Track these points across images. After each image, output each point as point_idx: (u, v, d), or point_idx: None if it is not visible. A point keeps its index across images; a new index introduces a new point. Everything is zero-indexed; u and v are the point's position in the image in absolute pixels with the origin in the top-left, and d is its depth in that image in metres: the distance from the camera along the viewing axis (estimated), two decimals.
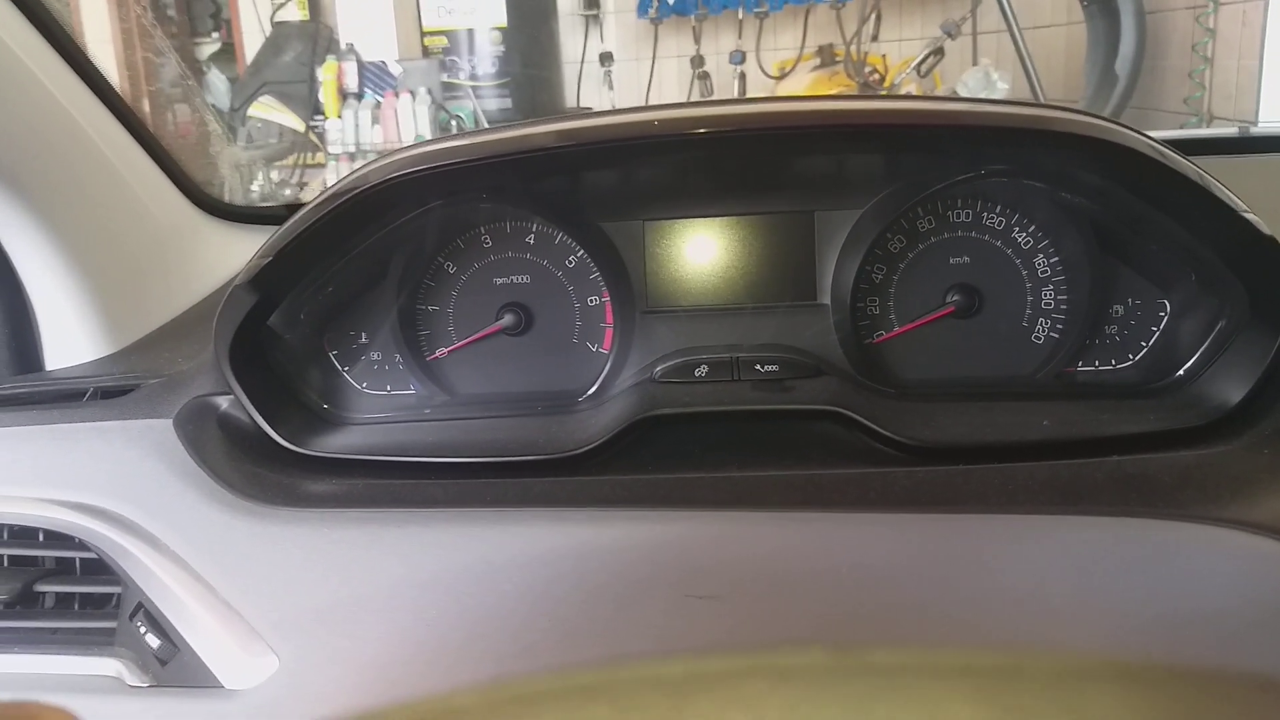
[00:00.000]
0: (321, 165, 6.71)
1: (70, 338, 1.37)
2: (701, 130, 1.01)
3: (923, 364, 1.23)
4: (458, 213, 1.20)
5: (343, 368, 1.26)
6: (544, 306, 1.25)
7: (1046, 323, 1.22)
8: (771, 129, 1.04)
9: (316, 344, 1.24)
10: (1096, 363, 1.24)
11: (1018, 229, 1.21)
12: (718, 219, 1.22)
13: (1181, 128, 4.68)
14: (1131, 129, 1.01)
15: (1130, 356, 1.23)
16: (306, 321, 1.22)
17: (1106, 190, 1.09)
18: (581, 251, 1.20)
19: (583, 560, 0.86)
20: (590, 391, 1.21)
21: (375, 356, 1.26)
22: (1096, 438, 1.04)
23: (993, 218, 1.21)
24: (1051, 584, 0.84)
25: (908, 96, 1.77)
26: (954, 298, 1.20)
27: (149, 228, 1.53)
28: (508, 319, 1.23)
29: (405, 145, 1.08)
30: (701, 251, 1.22)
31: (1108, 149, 0.98)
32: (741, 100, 1.17)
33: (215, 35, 7.35)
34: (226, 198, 1.88)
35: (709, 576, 0.87)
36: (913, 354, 1.23)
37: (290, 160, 6.62)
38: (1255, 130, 1.70)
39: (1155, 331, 1.22)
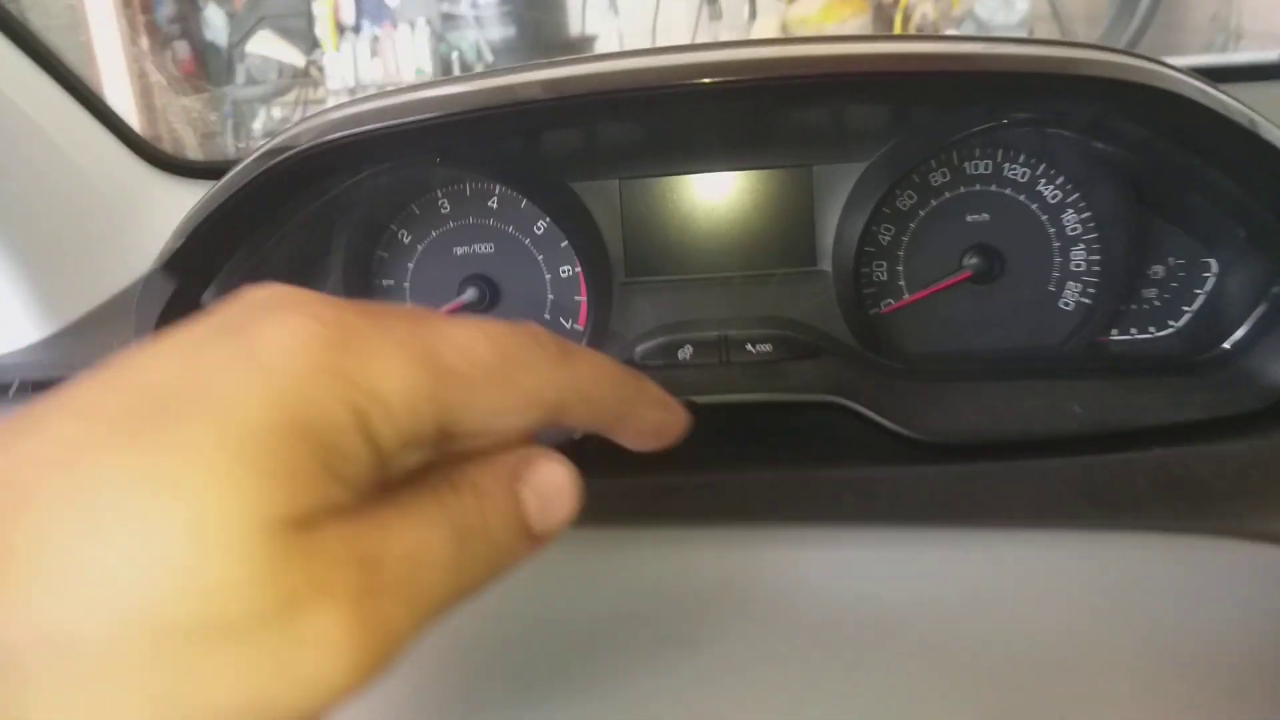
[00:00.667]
0: (322, 102, 6.52)
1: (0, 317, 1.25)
2: (693, 82, 0.86)
3: (937, 336, 1.09)
4: (411, 175, 1.06)
5: None
6: (511, 278, 1.11)
7: (1077, 286, 1.08)
8: (773, 78, 0.88)
9: None
10: (1133, 330, 1.10)
11: (1044, 181, 1.06)
12: (704, 175, 1.07)
13: (1209, 46, 4.45)
14: (1176, 69, 0.86)
15: (1171, 323, 1.09)
16: None
17: (1147, 139, 0.93)
18: (549, 217, 1.06)
19: (533, 593, 0.74)
20: None
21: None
22: (1135, 429, 0.90)
23: (1015, 169, 1.06)
24: (1087, 620, 0.72)
25: (920, 37, 1.60)
26: (972, 260, 1.06)
27: (86, 189, 1.39)
28: (471, 293, 1.10)
29: (345, 101, 0.93)
30: (685, 213, 1.08)
31: (1150, 94, 0.83)
32: (735, 44, 1.02)
33: None
34: (229, 139, 1.74)
35: (687, 611, 0.75)
36: (925, 325, 1.09)
37: (292, 97, 6.44)
38: None
39: (1200, 295, 1.08)
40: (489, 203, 1.10)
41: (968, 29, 4.82)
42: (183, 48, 6.09)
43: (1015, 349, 1.09)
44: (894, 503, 0.85)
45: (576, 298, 1.10)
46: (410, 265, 1.12)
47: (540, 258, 1.11)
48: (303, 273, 1.09)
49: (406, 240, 1.12)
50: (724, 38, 5.59)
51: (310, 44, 6.44)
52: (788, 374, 1.00)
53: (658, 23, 6.84)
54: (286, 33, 6.37)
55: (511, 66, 0.92)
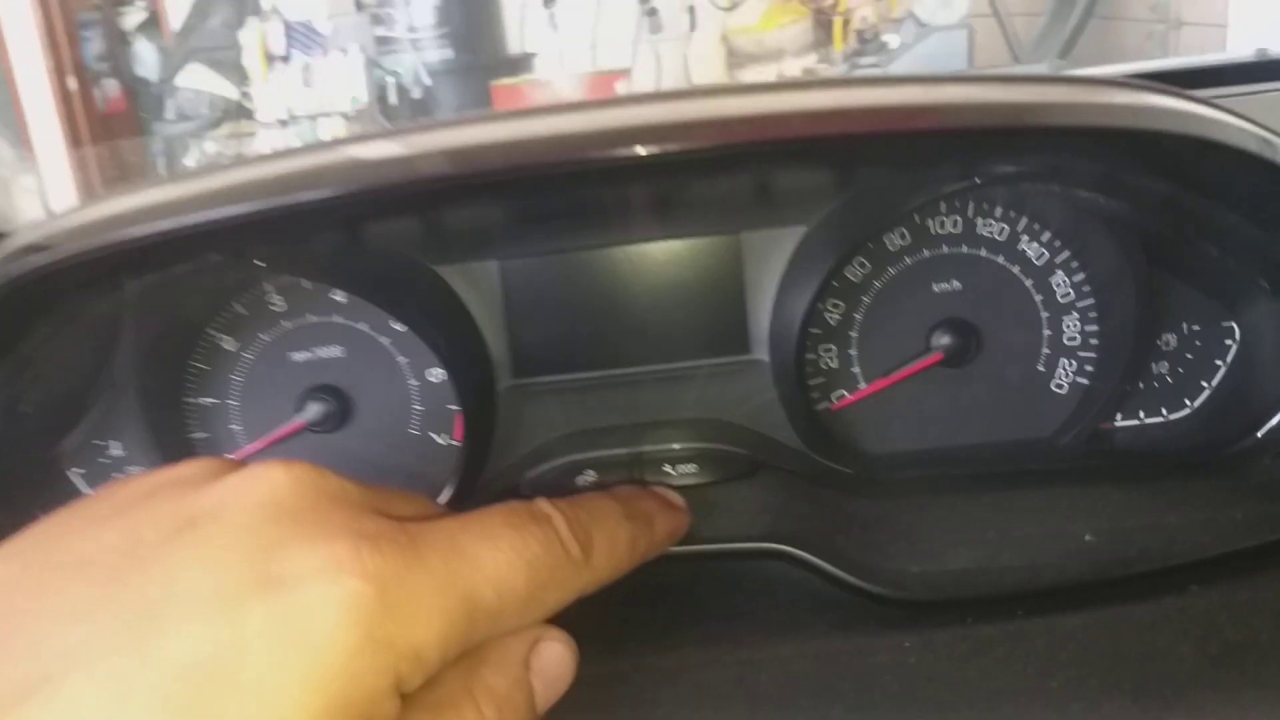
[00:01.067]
0: (254, 135, 6.23)
1: None
2: (618, 154, 0.59)
3: (902, 433, 0.89)
4: (226, 268, 0.82)
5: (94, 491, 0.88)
6: (366, 388, 0.88)
7: (1071, 364, 0.87)
8: (741, 142, 0.63)
9: (49, 462, 0.87)
10: (1142, 414, 0.89)
11: (1026, 238, 0.85)
12: (606, 251, 0.85)
13: (1149, 36, 4.33)
14: (1209, 103, 0.65)
15: (1188, 402, 0.89)
16: (31, 431, 0.84)
17: (1163, 191, 0.72)
18: (405, 321, 0.83)
19: None
20: (441, 500, 0.84)
21: (137, 473, 0.88)
22: (1164, 567, 0.70)
23: (990, 225, 0.85)
24: None
25: (882, 80, 1.33)
26: (942, 340, 0.85)
27: None
28: (314, 410, 0.86)
29: (111, 196, 0.69)
30: (585, 298, 0.86)
31: (1188, 143, 0.61)
32: (651, 97, 0.79)
33: (141, 2, 6.75)
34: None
35: None
36: (887, 421, 0.89)
37: (225, 130, 6.17)
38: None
39: (1221, 367, 0.87)
40: (333, 295, 0.87)
41: (908, 30, 4.66)
42: (112, 85, 5.80)
43: (999, 445, 0.88)
44: (862, 690, 0.63)
45: (450, 407, 0.87)
46: (235, 378, 0.88)
47: (402, 361, 0.88)
48: (101, 390, 0.85)
49: (229, 347, 0.88)
50: (664, 51, 5.41)
51: (242, 76, 6.15)
52: (717, 505, 0.77)
53: (597, 37, 6.64)
54: (218, 65, 6.09)
55: (357, 135, 0.68)
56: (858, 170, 0.78)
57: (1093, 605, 0.68)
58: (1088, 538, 0.74)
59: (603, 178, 0.67)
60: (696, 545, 0.74)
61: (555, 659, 0.49)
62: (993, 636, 0.67)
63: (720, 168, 0.67)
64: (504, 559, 0.45)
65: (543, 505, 0.52)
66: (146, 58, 6.38)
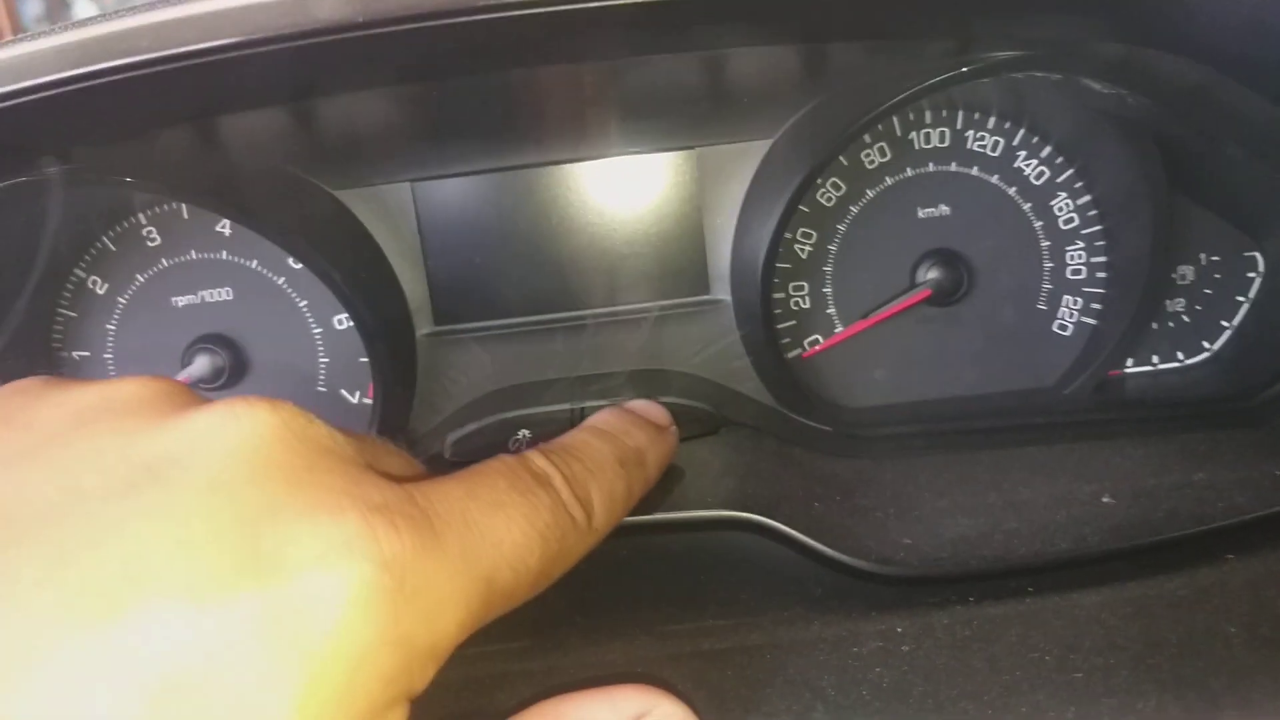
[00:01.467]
0: None
1: None
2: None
3: (884, 384, 0.77)
4: (92, 194, 0.69)
5: None
6: (261, 337, 0.76)
7: (1076, 302, 0.76)
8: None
9: None
10: (1155, 359, 0.78)
11: (1024, 154, 0.73)
12: (540, 171, 0.72)
13: None
14: None
15: (1206, 345, 0.78)
16: None
17: (1193, 80, 0.61)
18: (295, 255, 0.70)
19: None
20: None
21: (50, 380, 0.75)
22: (1197, 531, 0.59)
23: (983, 138, 0.73)
24: None
25: None
26: (929, 274, 0.74)
27: None
28: (202, 365, 0.73)
29: None
30: (516, 228, 0.73)
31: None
32: None
33: None
34: None
35: None
36: (867, 369, 0.77)
37: None
38: None
39: (1243, 302, 0.77)
40: (218, 227, 0.74)
41: None
42: None
43: (996, 396, 0.77)
44: (847, 686, 0.52)
45: (362, 359, 0.74)
46: (110, 327, 0.75)
47: (303, 305, 0.75)
48: None
49: (101, 290, 0.74)
50: None
51: None
52: (673, 469, 0.66)
53: None
54: None
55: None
56: (826, 62, 0.65)
57: (1116, 580, 0.58)
58: (1106, 499, 0.63)
59: (529, 38, 0.54)
60: (651, 515, 0.62)
61: None
62: (1001, 618, 0.56)
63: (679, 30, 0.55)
64: (519, 533, 0.39)
65: (540, 462, 0.44)
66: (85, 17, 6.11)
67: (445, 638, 0.34)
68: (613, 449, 0.52)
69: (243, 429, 0.34)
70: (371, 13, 0.47)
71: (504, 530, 0.38)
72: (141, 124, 0.60)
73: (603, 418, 0.57)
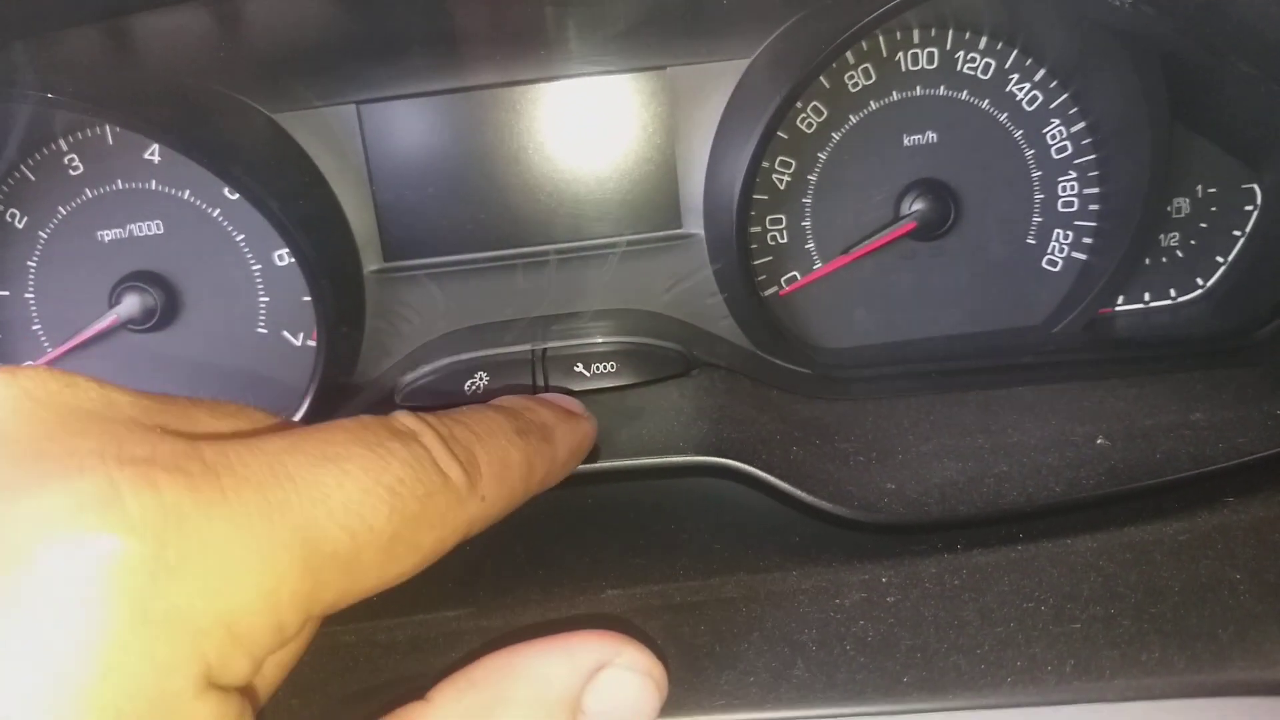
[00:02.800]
0: None
1: None
2: None
3: (865, 323, 0.74)
4: (6, 115, 0.63)
5: None
6: (194, 275, 0.70)
7: (1067, 236, 0.73)
8: None
9: None
10: (1147, 296, 0.74)
11: (1017, 78, 0.69)
12: (497, 92, 0.67)
13: None
14: None
15: (1200, 282, 0.74)
16: None
17: None
18: (229, 181, 0.64)
19: None
20: (296, 419, 0.67)
21: None
22: (1195, 473, 0.56)
23: (974, 60, 0.68)
24: None
25: None
26: (915, 205, 0.69)
27: None
28: (131, 304, 0.68)
29: None
30: (472, 155, 0.67)
31: None
32: None
33: None
34: None
35: None
36: (847, 308, 0.73)
37: None
38: None
39: (1239, 236, 0.73)
40: (146, 155, 0.68)
41: None
42: None
43: (983, 335, 0.73)
44: (829, 639, 0.48)
45: (306, 299, 0.69)
46: (31, 264, 0.69)
47: (240, 238, 0.69)
48: None
49: (20, 224, 0.69)
50: None
51: None
52: (643, 412, 0.61)
53: None
54: None
55: None
56: None
57: (1113, 525, 0.55)
58: (1100, 441, 0.60)
59: None
60: (617, 461, 0.57)
61: (628, 698, 0.37)
62: (993, 566, 0.53)
63: None
64: (355, 486, 0.33)
65: (404, 419, 0.38)
66: None
67: (245, 613, 0.29)
68: (509, 420, 0.45)
69: None
70: None
71: (332, 483, 0.32)
72: (51, 17, 0.54)
73: (505, 398, 0.51)
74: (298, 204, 0.64)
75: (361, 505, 0.32)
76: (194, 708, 0.27)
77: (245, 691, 0.29)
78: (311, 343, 0.71)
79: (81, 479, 0.27)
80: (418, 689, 0.38)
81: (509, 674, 0.37)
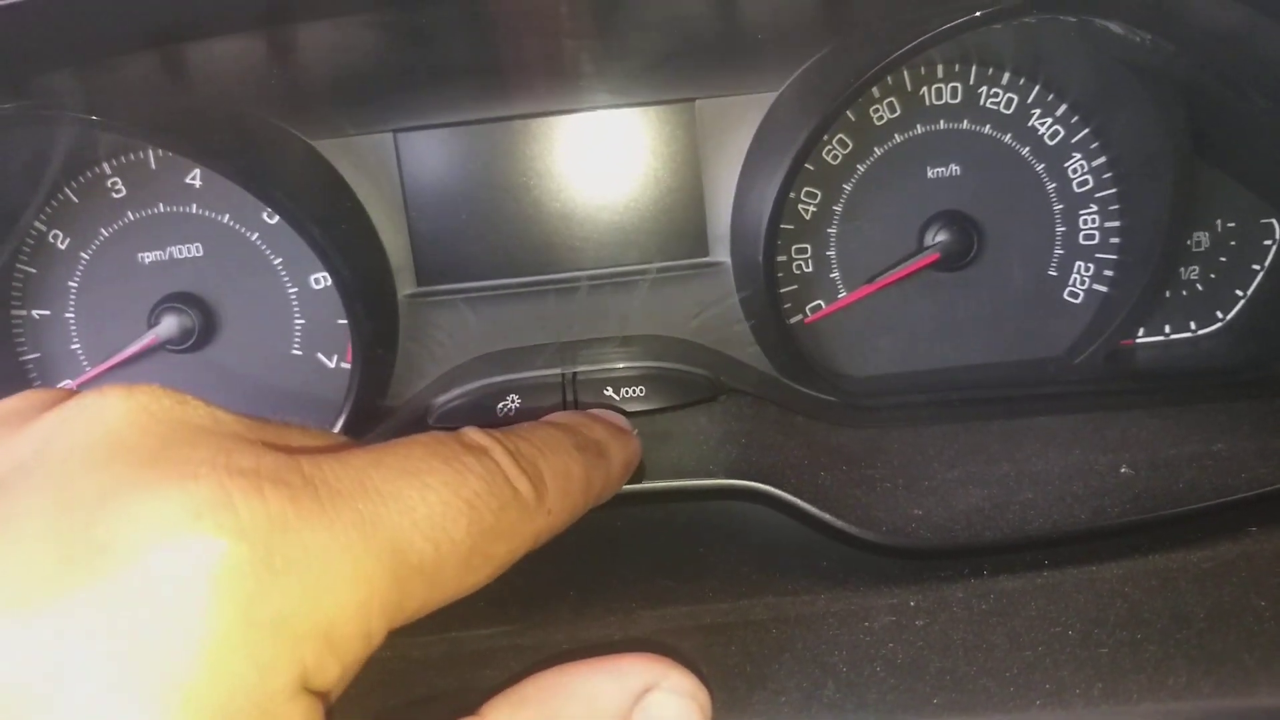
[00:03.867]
0: None
1: None
2: None
3: (889, 352, 0.75)
4: (49, 138, 0.65)
5: None
6: (232, 296, 0.72)
7: (1088, 268, 0.74)
8: None
9: None
10: (1167, 329, 0.75)
11: (1039, 112, 0.70)
12: (530, 123, 0.68)
13: None
14: None
15: (1219, 315, 0.75)
16: None
17: (1228, 24, 0.58)
18: (272, 205, 0.66)
19: None
20: None
21: None
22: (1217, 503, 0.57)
23: (997, 95, 0.70)
24: None
25: None
26: (938, 237, 0.70)
27: None
28: (170, 325, 0.69)
29: None
30: (506, 182, 0.69)
31: None
32: None
33: None
34: None
35: None
36: (871, 336, 0.74)
37: None
38: None
39: (1258, 271, 0.74)
40: (188, 179, 0.69)
41: None
42: None
43: (1004, 365, 0.74)
44: (859, 661, 0.49)
45: (340, 322, 0.70)
46: (73, 284, 0.71)
47: (277, 262, 0.71)
48: None
49: (63, 245, 0.70)
50: None
51: None
52: (671, 435, 0.62)
53: None
54: None
55: None
56: (838, 7, 0.61)
57: (1138, 552, 0.55)
58: (1124, 470, 0.60)
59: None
60: (648, 483, 0.58)
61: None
62: (1020, 591, 0.53)
63: None
64: (436, 499, 0.34)
65: (474, 434, 0.39)
66: None
67: (341, 620, 0.30)
68: (568, 435, 0.47)
69: (89, 419, 0.31)
70: None
71: (416, 496, 0.34)
72: (101, 46, 0.56)
73: (557, 415, 0.52)
74: (337, 229, 0.66)
75: (443, 518, 0.34)
76: (288, 709, 0.28)
77: (324, 697, 0.30)
78: (345, 364, 0.72)
79: (196, 485, 0.28)
80: (467, 705, 0.39)
81: (559, 692, 0.38)
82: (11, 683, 0.24)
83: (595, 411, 0.55)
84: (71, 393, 0.35)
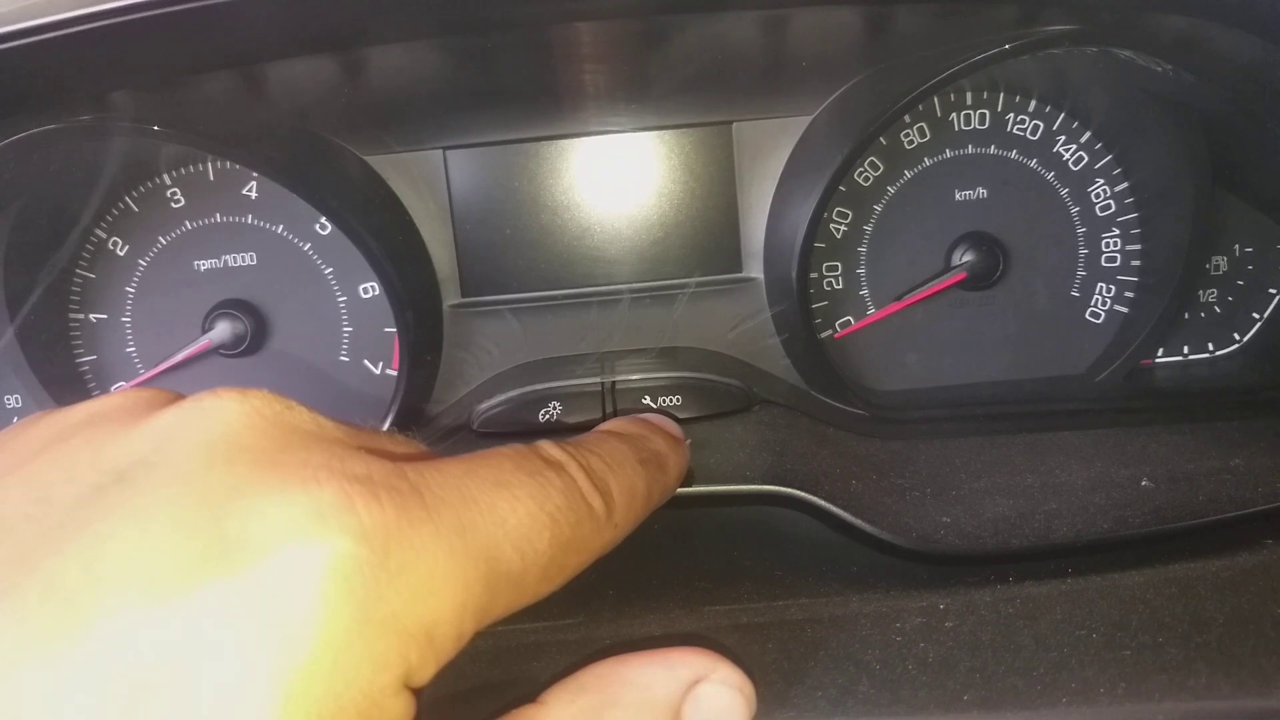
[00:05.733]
0: None
1: None
2: None
3: (916, 368, 0.77)
4: (113, 149, 0.68)
5: None
6: (283, 303, 0.74)
7: (1109, 290, 0.76)
8: None
9: None
10: (1185, 350, 0.78)
11: (1064, 139, 0.73)
12: (572, 142, 0.71)
13: None
14: None
15: (1236, 336, 0.78)
16: None
17: (1247, 58, 0.60)
18: (328, 214, 0.68)
19: None
20: None
21: (12, 405, 0.74)
22: (1234, 516, 0.59)
23: (1023, 122, 0.72)
24: None
25: None
26: (965, 257, 0.73)
27: None
28: (223, 330, 0.72)
29: None
30: (548, 200, 0.72)
31: None
32: None
33: None
34: None
35: None
36: (899, 352, 0.76)
37: None
38: None
39: (1274, 294, 0.76)
40: (244, 190, 0.72)
41: None
42: None
43: (1028, 383, 0.76)
44: (892, 660, 0.51)
45: (387, 330, 0.73)
46: (130, 289, 0.73)
47: (328, 272, 0.74)
48: None
49: (121, 252, 0.73)
50: None
51: None
52: (708, 443, 0.65)
53: None
54: None
55: None
56: (874, 33, 0.64)
57: (1159, 561, 0.57)
58: (1144, 483, 0.62)
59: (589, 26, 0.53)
60: (691, 487, 0.61)
61: (721, 711, 0.40)
62: (1045, 597, 0.55)
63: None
64: (525, 512, 0.36)
65: (550, 449, 0.41)
66: None
67: (442, 621, 0.31)
68: (632, 448, 0.49)
69: (208, 419, 0.32)
70: None
71: (507, 508, 0.35)
72: (175, 68, 0.59)
73: (619, 423, 0.55)
74: (388, 240, 0.69)
75: (530, 530, 0.36)
76: (392, 704, 0.29)
77: (417, 694, 0.31)
78: (390, 371, 0.75)
79: (320, 489, 0.30)
80: (521, 695, 0.41)
81: (615, 680, 0.40)
82: (148, 665, 0.26)
83: (652, 418, 0.58)
84: (172, 395, 0.37)
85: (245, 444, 0.32)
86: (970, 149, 0.74)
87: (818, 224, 0.67)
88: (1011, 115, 0.73)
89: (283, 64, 0.63)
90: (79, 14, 0.45)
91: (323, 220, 0.72)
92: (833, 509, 0.60)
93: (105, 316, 0.75)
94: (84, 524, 0.29)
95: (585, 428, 0.64)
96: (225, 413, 0.32)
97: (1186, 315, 0.77)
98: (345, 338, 0.75)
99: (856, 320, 0.76)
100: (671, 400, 0.67)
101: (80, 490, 0.30)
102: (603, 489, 0.42)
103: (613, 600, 0.57)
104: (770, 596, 0.57)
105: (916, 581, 0.57)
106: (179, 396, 0.36)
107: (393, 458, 0.34)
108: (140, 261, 0.74)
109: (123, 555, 0.27)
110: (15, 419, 0.74)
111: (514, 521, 0.35)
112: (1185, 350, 0.78)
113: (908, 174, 0.74)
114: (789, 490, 0.61)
